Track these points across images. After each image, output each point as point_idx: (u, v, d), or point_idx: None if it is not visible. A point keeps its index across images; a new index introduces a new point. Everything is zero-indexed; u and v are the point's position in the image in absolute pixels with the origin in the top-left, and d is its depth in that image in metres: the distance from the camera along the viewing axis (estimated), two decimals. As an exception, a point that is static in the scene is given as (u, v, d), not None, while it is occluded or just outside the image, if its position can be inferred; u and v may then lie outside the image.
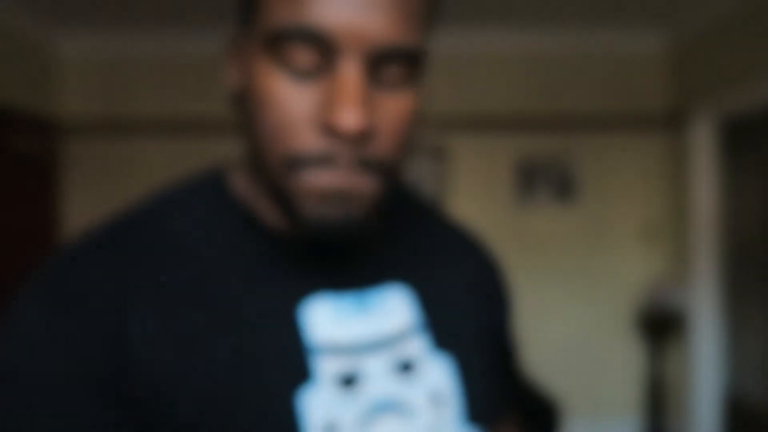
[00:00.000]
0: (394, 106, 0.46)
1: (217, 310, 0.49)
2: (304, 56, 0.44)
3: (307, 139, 0.45)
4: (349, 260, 0.55)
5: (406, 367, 0.54)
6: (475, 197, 3.87)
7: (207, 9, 3.36)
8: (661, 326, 3.69)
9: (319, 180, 0.45)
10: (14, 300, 0.49)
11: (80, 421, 0.44)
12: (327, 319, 0.52)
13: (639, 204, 3.95)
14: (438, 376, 0.56)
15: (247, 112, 0.49)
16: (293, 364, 0.49)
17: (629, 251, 3.94)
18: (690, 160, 3.64)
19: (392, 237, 0.60)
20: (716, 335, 3.63)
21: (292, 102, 0.45)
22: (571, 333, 3.87)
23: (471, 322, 0.61)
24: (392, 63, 0.45)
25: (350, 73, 0.44)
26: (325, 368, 0.50)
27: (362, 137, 0.45)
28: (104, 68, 3.79)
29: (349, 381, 0.51)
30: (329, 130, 0.44)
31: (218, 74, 3.81)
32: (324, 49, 0.44)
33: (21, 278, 3.34)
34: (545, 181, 3.89)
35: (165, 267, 0.50)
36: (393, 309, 0.55)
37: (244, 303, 0.50)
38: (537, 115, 3.89)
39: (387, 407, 0.52)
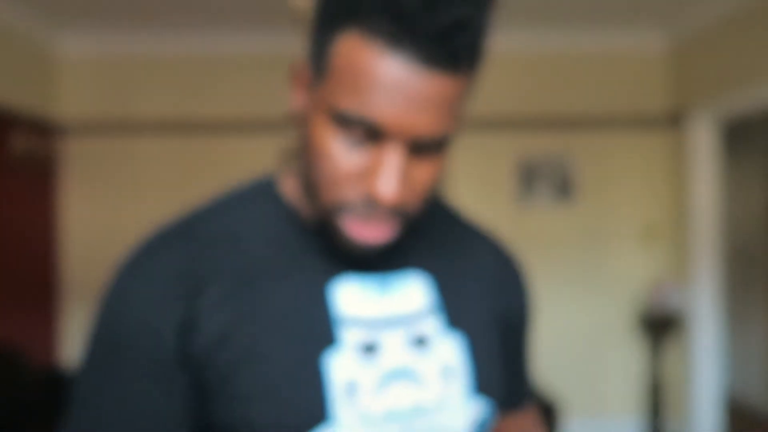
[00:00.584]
0: (425, 170, 0.59)
1: (263, 288, 0.62)
2: (359, 133, 0.56)
3: (351, 192, 0.58)
4: (373, 250, 0.64)
5: (420, 343, 0.64)
6: (474, 197, 3.86)
7: (206, 10, 3.36)
8: (661, 326, 3.68)
9: (360, 233, 0.59)
10: (111, 279, 0.65)
11: (148, 378, 0.59)
12: (352, 297, 0.63)
13: (639, 204, 3.95)
14: (449, 353, 0.66)
15: (308, 150, 0.61)
16: (320, 331, 0.61)
17: (629, 251, 3.94)
18: (690, 160, 3.63)
19: (416, 231, 0.68)
20: (716, 335, 3.63)
21: (344, 161, 0.57)
22: (571, 333, 3.87)
23: (484, 308, 0.71)
24: (428, 146, 0.57)
25: (395, 154, 0.56)
26: (349, 337, 0.62)
27: (395, 207, 0.57)
28: (104, 68, 3.78)
29: (369, 350, 0.62)
30: (371, 196, 0.57)
31: (217, 74, 3.81)
32: (376, 133, 0.55)
33: (22, 275, 3.34)
34: (545, 181, 3.89)
35: (225, 254, 0.63)
36: (411, 292, 0.66)
37: (284, 281, 0.63)
38: (537, 115, 3.89)
39: (401, 375, 0.63)
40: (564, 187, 3.89)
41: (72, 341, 3.75)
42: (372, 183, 0.56)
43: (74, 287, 3.76)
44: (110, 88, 3.79)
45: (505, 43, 3.87)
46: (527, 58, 3.90)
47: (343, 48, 0.54)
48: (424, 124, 0.55)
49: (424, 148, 0.57)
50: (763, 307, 4.26)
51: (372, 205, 0.58)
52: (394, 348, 0.63)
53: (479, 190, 3.89)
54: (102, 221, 3.76)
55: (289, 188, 0.68)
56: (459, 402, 0.65)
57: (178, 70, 3.81)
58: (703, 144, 3.58)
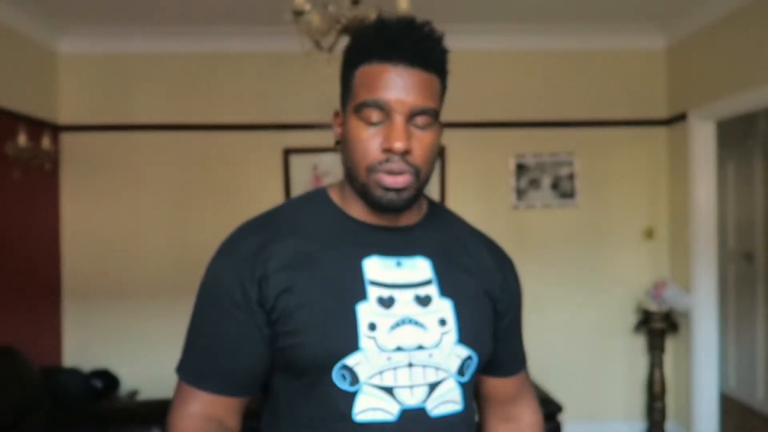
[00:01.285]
0: (423, 138, 0.89)
1: (317, 259, 0.92)
2: (374, 115, 0.88)
3: (376, 156, 0.88)
4: (395, 240, 0.96)
5: (424, 301, 0.92)
6: (475, 196, 3.86)
7: (206, 10, 3.36)
8: (661, 326, 3.68)
9: (388, 180, 0.88)
10: (214, 254, 0.96)
11: (241, 328, 0.91)
12: (377, 268, 0.93)
13: (639, 204, 3.95)
14: (445, 310, 0.93)
15: (345, 149, 0.93)
16: (354, 289, 0.91)
17: (629, 251, 3.94)
18: (690, 159, 3.63)
19: (425, 231, 0.99)
20: (717, 335, 3.63)
21: (369, 139, 0.89)
22: (570, 333, 3.86)
23: (472, 285, 0.98)
24: (420, 115, 0.88)
25: (398, 122, 0.87)
26: (372, 294, 0.91)
27: (405, 153, 0.87)
28: (103, 68, 3.78)
29: (386, 303, 0.90)
30: (388, 150, 0.87)
31: (215, 74, 3.81)
32: (385, 111, 0.88)
33: (25, 274, 3.34)
34: (545, 180, 3.88)
35: (288, 237, 0.94)
36: (418, 269, 0.95)
37: (332, 256, 0.93)
38: (537, 114, 3.89)
39: (409, 321, 0.90)
40: (564, 186, 3.89)
41: (71, 340, 3.75)
42: (388, 142, 0.87)
43: (74, 287, 3.76)
44: (110, 88, 3.78)
45: (505, 43, 3.87)
46: (527, 58, 3.90)
47: (359, 74, 0.90)
48: (412, 99, 0.87)
49: (417, 119, 0.88)
50: (763, 307, 4.26)
51: (391, 159, 0.87)
52: (405, 303, 0.91)
53: (479, 190, 3.89)
54: (101, 220, 3.76)
55: (335, 195, 1.00)
56: (449, 345, 0.92)
57: (177, 70, 3.80)
58: (703, 144, 3.58)
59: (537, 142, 3.88)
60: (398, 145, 0.86)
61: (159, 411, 3.15)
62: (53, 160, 3.55)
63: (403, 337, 0.89)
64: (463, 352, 0.93)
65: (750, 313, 4.36)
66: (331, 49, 2.48)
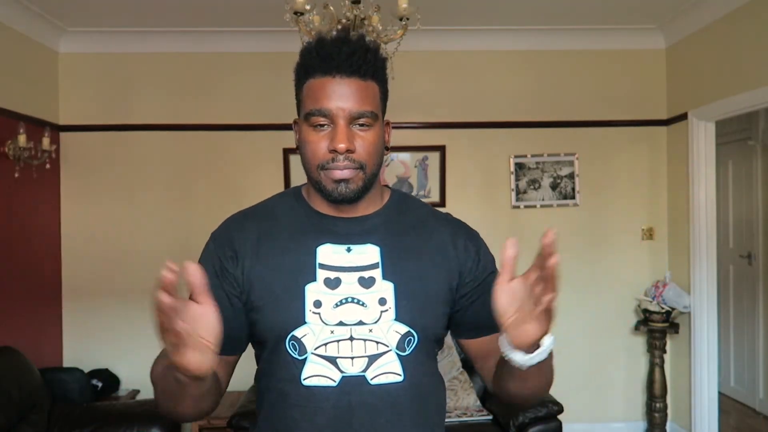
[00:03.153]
0: (365, 137, 1.02)
1: (280, 246, 1.06)
2: (320, 120, 1.01)
3: (325, 156, 1.02)
4: (349, 228, 1.08)
5: (367, 282, 1.04)
6: (474, 196, 3.86)
7: (205, 10, 3.36)
8: (661, 326, 3.68)
9: (335, 174, 1.01)
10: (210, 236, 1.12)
11: (217, 292, 0.95)
12: (328, 253, 1.05)
13: (639, 204, 3.95)
14: (385, 291, 1.04)
15: (301, 152, 1.06)
16: (307, 272, 1.04)
17: (629, 251, 3.94)
18: (690, 160, 3.63)
19: (381, 219, 1.11)
20: (717, 335, 3.62)
21: (317, 142, 1.02)
22: (571, 333, 3.86)
23: (421, 269, 1.07)
24: (360, 118, 1.01)
25: (341, 126, 1.00)
26: (321, 275, 1.04)
27: (348, 151, 1.00)
28: (103, 68, 3.78)
29: (332, 283, 1.03)
30: (333, 150, 1.00)
31: (214, 74, 3.81)
32: (329, 118, 1.01)
33: (26, 273, 3.34)
34: (545, 180, 3.89)
35: (263, 223, 1.10)
36: (367, 254, 1.06)
37: (293, 241, 1.07)
38: (537, 114, 3.89)
39: (351, 300, 1.03)
40: (564, 186, 3.89)
41: (71, 340, 3.75)
42: (333, 144, 1.00)
43: (74, 286, 3.76)
44: (110, 88, 3.78)
45: (505, 43, 3.87)
46: (527, 58, 3.90)
47: (306, 88, 1.05)
48: (350, 105, 1.00)
49: (358, 121, 1.01)
50: (763, 307, 4.26)
51: (336, 158, 1.00)
52: (349, 284, 1.03)
53: (479, 190, 3.89)
54: (102, 220, 3.76)
55: (305, 192, 1.14)
56: (388, 322, 1.03)
57: (177, 70, 3.80)
58: (703, 144, 3.58)
59: (537, 142, 3.88)
60: (341, 146, 0.99)
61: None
62: (53, 160, 3.55)
63: (345, 314, 1.02)
64: (402, 328, 1.04)
65: (750, 313, 4.36)
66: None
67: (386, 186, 1.19)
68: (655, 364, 3.74)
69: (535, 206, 3.89)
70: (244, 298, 1.04)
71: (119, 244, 3.77)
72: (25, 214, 3.39)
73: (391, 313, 1.03)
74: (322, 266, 1.04)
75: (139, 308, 3.75)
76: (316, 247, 1.06)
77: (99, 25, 3.61)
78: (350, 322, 1.01)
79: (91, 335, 3.75)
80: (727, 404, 4.34)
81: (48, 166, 3.45)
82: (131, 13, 3.41)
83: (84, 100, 3.77)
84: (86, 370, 3.55)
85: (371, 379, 1.02)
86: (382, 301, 1.03)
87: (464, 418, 3.12)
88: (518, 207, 3.89)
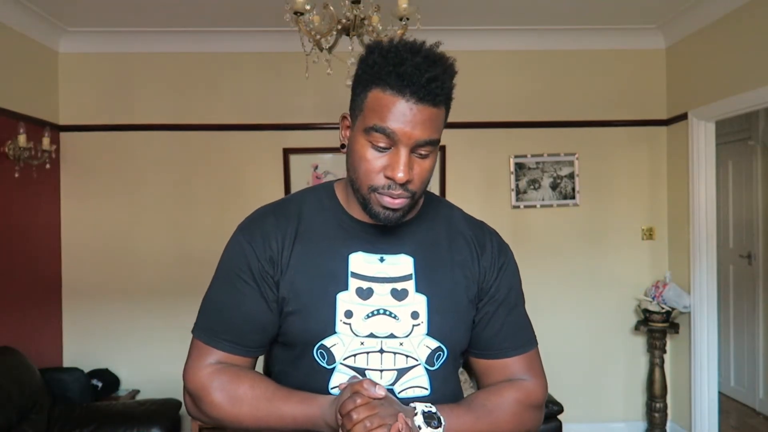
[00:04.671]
0: (423, 164, 0.97)
1: (313, 248, 1.03)
2: (381, 140, 0.94)
3: (379, 180, 0.96)
4: (383, 237, 1.05)
5: (400, 294, 1.01)
6: (474, 196, 3.86)
7: (205, 11, 3.36)
8: (661, 326, 3.68)
9: (387, 201, 0.96)
10: (233, 233, 1.07)
11: (254, 296, 1.01)
12: (361, 262, 1.02)
13: (639, 204, 3.94)
14: (418, 304, 1.01)
15: (350, 159, 1.00)
16: (339, 280, 1.01)
17: (629, 251, 3.94)
18: (690, 160, 3.63)
19: (415, 228, 1.07)
20: (717, 335, 3.62)
21: (374, 161, 0.96)
22: (570, 333, 3.86)
23: (451, 282, 1.05)
24: (424, 147, 0.95)
25: (403, 154, 0.94)
26: (354, 285, 1.01)
27: (405, 183, 0.95)
28: (103, 68, 3.78)
29: (364, 293, 1.00)
30: (392, 179, 0.95)
31: (214, 74, 3.81)
32: (392, 139, 0.93)
33: (27, 273, 3.34)
34: (545, 180, 3.88)
35: (293, 224, 1.05)
36: (400, 265, 1.03)
37: (325, 246, 1.03)
38: (537, 114, 3.89)
39: (383, 312, 1.00)
40: (564, 186, 3.89)
41: (71, 340, 3.75)
42: (392, 172, 0.94)
43: (74, 286, 3.76)
44: (110, 88, 3.78)
45: (506, 43, 3.87)
46: (527, 58, 3.90)
47: (372, 97, 0.95)
48: (417, 134, 0.93)
49: (420, 149, 0.95)
50: (763, 307, 4.26)
51: (392, 186, 0.95)
52: (382, 295, 1.01)
53: (479, 190, 3.89)
54: (102, 220, 3.76)
55: (340, 192, 1.09)
56: (420, 336, 1.01)
57: (177, 70, 3.80)
58: (703, 144, 3.58)
59: (537, 142, 3.88)
60: (400, 176, 0.93)
61: (159, 411, 3.17)
62: (53, 160, 3.55)
63: (376, 326, 1.00)
64: (433, 343, 1.02)
65: (750, 313, 4.36)
66: (331, 49, 2.48)
67: None
68: (655, 364, 3.74)
69: (535, 206, 3.89)
70: (279, 300, 1.02)
71: (119, 244, 3.77)
72: (25, 214, 3.39)
73: (423, 328, 1.01)
74: (355, 275, 1.01)
75: (140, 308, 3.76)
76: (349, 254, 1.02)
77: (99, 25, 3.61)
78: (381, 335, 0.99)
79: (91, 335, 3.75)
80: (727, 404, 4.34)
81: (48, 166, 3.45)
82: (131, 13, 3.41)
83: (84, 100, 3.77)
84: (86, 370, 3.55)
85: (399, 393, 1.00)
86: (415, 315, 1.01)
87: (464, 418, 3.12)
88: (518, 207, 3.89)
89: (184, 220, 3.78)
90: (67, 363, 3.72)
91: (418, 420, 0.93)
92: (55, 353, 3.67)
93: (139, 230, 3.78)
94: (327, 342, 0.99)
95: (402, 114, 0.92)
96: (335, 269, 1.01)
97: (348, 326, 0.99)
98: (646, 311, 3.70)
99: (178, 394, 3.05)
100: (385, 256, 1.03)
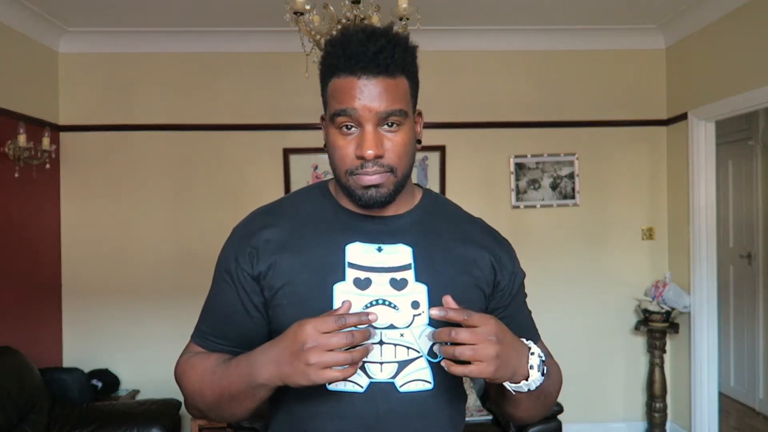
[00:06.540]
0: (394, 138, 0.96)
1: (306, 243, 1.02)
2: (346, 121, 0.95)
3: (352, 162, 0.96)
4: (379, 228, 1.04)
5: (399, 284, 0.99)
6: (474, 196, 3.86)
7: (205, 11, 3.36)
8: (661, 326, 3.68)
9: (364, 179, 0.96)
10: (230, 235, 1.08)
11: (231, 297, 1.02)
12: (358, 253, 1.01)
13: (639, 204, 3.95)
14: (418, 293, 1.00)
15: (328, 154, 1.01)
16: (336, 271, 0.99)
17: (629, 251, 3.94)
18: (690, 160, 3.63)
19: (413, 219, 1.07)
20: (717, 335, 3.62)
21: (345, 146, 0.97)
22: (571, 333, 3.86)
23: (453, 273, 1.03)
24: (389, 117, 0.95)
25: (368, 130, 0.95)
26: (351, 275, 0.99)
27: (377, 158, 0.95)
28: (103, 68, 3.78)
29: (362, 284, 0.98)
30: (361, 157, 0.95)
31: (214, 74, 3.81)
32: (356, 119, 0.95)
33: (27, 273, 3.34)
34: (545, 180, 3.88)
35: (287, 221, 1.05)
36: (399, 254, 1.02)
37: (321, 239, 1.02)
38: (537, 114, 3.89)
39: (382, 302, 0.98)
40: (564, 186, 3.89)
41: (71, 340, 3.75)
42: (360, 150, 0.95)
43: (74, 286, 3.76)
44: (110, 88, 3.78)
45: (506, 43, 3.87)
46: (527, 58, 3.90)
47: (331, 86, 0.97)
48: (376, 106, 0.94)
49: (387, 122, 0.95)
50: (763, 307, 4.26)
51: (365, 165, 0.95)
52: (380, 285, 0.99)
53: (479, 190, 3.89)
54: (101, 220, 3.76)
55: (333, 188, 1.10)
56: (420, 327, 0.98)
57: (177, 70, 3.80)
58: (703, 144, 3.58)
59: (537, 142, 3.88)
60: (369, 152, 0.94)
61: (159, 411, 3.17)
62: (53, 160, 3.55)
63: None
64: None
65: (750, 313, 4.36)
66: (331, 49, 2.48)
67: (417, 185, 1.14)
68: (655, 364, 3.74)
69: (535, 206, 3.89)
70: (268, 296, 1.00)
71: (119, 244, 3.77)
72: (25, 214, 3.39)
73: (425, 318, 0.98)
74: (352, 265, 0.99)
75: (140, 308, 3.76)
76: (345, 245, 1.01)
77: (99, 25, 3.61)
78: (380, 326, 0.96)
79: (91, 335, 3.75)
80: (727, 404, 4.34)
81: (48, 166, 3.45)
82: (131, 13, 3.41)
83: (84, 100, 3.77)
84: (86, 370, 3.55)
85: (400, 387, 0.97)
86: (415, 305, 0.98)
87: (464, 418, 3.12)
88: (518, 207, 3.89)
89: (184, 220, 3.78)
90: (67, 363, 3.72)
91: (534, 360, 0.93)
92: (55, 353, 3.67)
93: (139, 230, 3.78)
94: None
95: (359, 90, 0.93)
96: (332, 260, 0.99)
97: None
98: (646, 311, 3.70)
99: (178, 394, 3.04)
100: (383, 246, 1.01)
